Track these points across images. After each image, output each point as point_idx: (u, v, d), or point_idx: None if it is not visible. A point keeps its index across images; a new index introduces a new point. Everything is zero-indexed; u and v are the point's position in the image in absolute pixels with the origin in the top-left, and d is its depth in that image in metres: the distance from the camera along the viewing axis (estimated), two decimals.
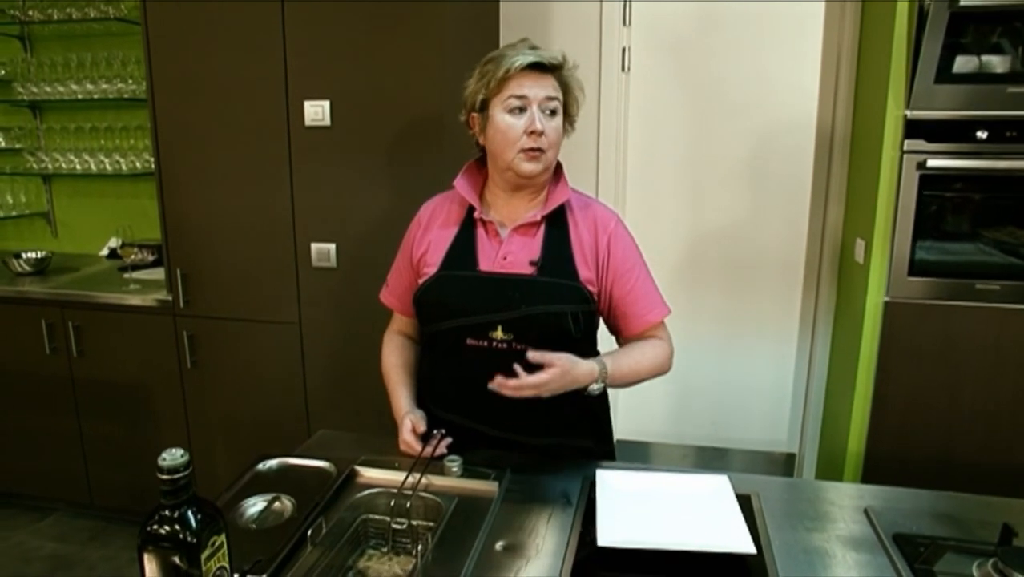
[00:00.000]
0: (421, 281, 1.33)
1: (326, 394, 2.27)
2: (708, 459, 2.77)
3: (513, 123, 1.23)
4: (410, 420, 1.30)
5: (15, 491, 2.71)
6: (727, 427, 2.72)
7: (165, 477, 0.75)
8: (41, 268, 2.69)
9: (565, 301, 1.26)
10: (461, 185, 1.33)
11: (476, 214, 1.32)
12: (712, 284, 2.63)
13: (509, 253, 1.29)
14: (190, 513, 0.77)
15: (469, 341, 1.28)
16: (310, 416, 2.30)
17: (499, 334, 1.26)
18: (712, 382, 2.69)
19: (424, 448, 1.24)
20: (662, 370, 1.34)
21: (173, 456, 0.76)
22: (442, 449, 1.25)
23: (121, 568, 2.39)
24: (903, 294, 1.98)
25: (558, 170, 1.37)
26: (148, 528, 0.76)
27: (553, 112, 1.24)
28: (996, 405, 1.95)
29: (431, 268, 1.32)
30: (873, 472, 2.07)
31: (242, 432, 2.35)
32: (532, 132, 1.22)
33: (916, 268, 1.96)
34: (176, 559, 0.76)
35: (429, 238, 1.35)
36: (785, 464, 2.71)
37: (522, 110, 1.23)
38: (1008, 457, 1.95)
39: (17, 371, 2.53)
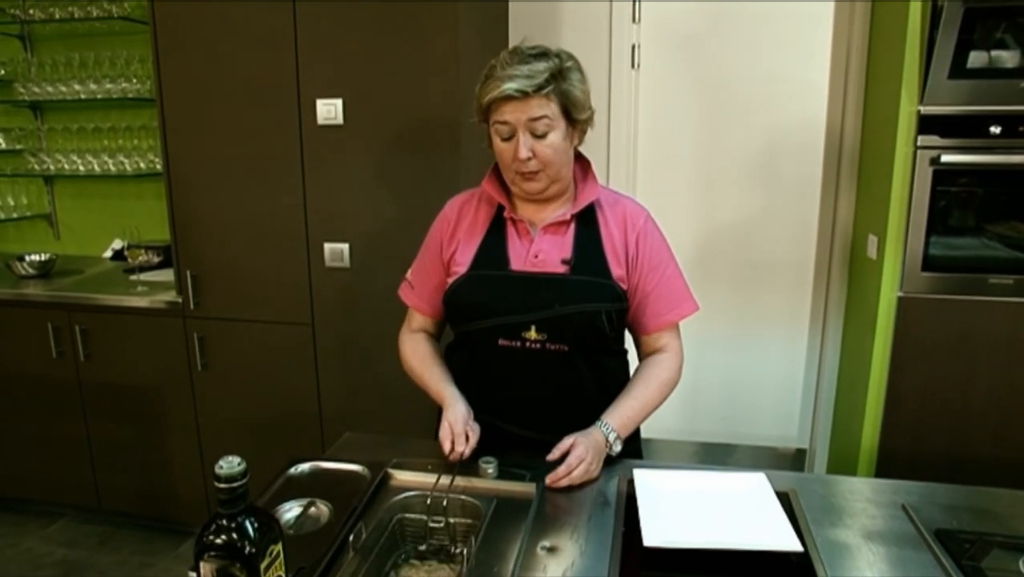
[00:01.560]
0: (451, 281, 1.31)
1: (340, 396, 2.25)
2: (718, 455, 2.77)
3: (504, 148, 1.22)
4: (463, 417, 1.23)
5: (23, 497, 2.67)
6: (737, 423, 2.73)
7: (223, 486, 0.74)
8: (45, 271, 2.65)
9: (598, 300, 1.25)
10: (489, 185, 1.32)
11: (506, 213, 1.31)
12: (722, 280, 2.63)
13: (540, 252, 1.28)
14: (247, 522, 0.76)
15: (502, 342, 1.27)
16: (323, 418, 2.28)
17: (532, 334, 1.25)
18: (722, 378, 2.70)
19: (459, 451, 1.20)
20: (672, 388, 1.34)
21: (230, 464, 0.75)
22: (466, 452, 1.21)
23: (132, 573, 2.37)
24: (916, 289, 1.98)
25: (586, 168, 1.36)
26: (205, 538, 0.75)
27: (545, 131, 1.20)
28: (1010, 399, 1.96)
29: (461, 268, 1.31)
30: (886, 467, 2.07)
31: (255, 435, 2.32)
32: (517, 159, 1.21)
33: (929, 263, 1.96)
34: (235, 569, 0.75)
35: (458, 236, 1.33)
36: (795, 460, 2.72)
37: (512, 133, 1.20)
38: (1022, 452, 1.97)
39: (24, 375, 2.49)
